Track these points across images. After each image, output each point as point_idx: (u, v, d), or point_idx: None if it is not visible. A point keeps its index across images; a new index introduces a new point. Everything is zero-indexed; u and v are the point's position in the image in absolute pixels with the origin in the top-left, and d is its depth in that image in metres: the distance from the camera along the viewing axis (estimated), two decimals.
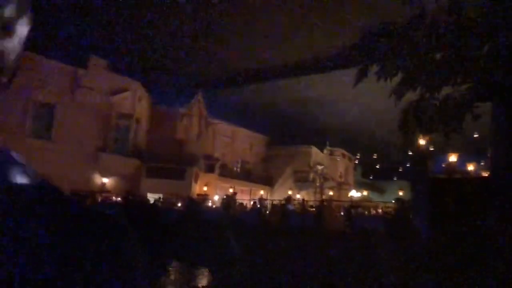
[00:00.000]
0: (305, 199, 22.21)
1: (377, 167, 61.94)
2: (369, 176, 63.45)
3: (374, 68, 9.52)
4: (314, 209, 19.29)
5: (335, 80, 38.57)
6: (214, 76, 43.16)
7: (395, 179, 60.36)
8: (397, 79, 9.32)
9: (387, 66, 9.07)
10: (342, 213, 18.37)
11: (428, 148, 14.79)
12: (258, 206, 21.32)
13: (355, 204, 19.74)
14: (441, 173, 19.71)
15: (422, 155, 14.35)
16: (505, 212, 11.08)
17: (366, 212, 17.89)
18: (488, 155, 22.44)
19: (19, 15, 0.49)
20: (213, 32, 36.49)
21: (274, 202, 20.41)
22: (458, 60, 7.99)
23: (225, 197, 24.10)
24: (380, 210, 17.60)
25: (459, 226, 11.79)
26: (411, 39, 8.57)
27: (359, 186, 53.34)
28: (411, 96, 9.67)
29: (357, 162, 57.20)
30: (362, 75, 9.62)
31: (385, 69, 9.14)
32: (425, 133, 9.78)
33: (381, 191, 56.88)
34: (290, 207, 19.50)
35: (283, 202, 20.07)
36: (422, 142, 15.20)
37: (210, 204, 28.17)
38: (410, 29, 8.69)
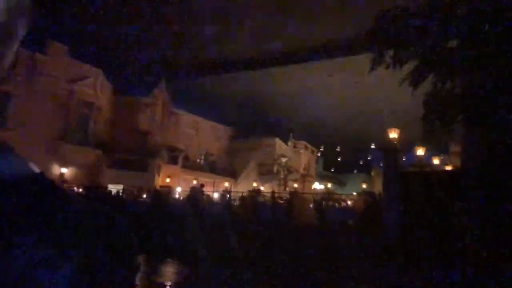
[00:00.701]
0: (273, 191, 22.14)
1: (339, 160, 63.02)
2: (330, 168, 64.44)
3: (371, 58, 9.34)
4: (283, 201, 19.21)
5: (303, 73, 38.75)
6: (178, 66, 42.28)
7: (355, 172, 61.73)
8: (394, 73, 9.17)
9: (401, 52, 8.80)
10: (311, 206, 18.40)
11: (399, 142, 14.99)
12: (227, 198, 21.04)
13: (326, 196, 19.87)
14: (407, 166, 20.17)
15: (393, 149, 14.54)
16: (473, 203, 11.43)
17: (337, 205, 18.06)
18: (450, 149, 23.22)
19: (22, 13, 0.48)
20: (180, 19, 35.67)
21: (244, 194, 20.21)
22: (473, 49, 7.79)
23: (191, 188, 23.66)
24: (349, 203, 17.80)
25: (430, 218, 12.05)
26: (426, 26, 8.35)
27: (320, 179, 54.00)
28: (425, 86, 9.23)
29: (319, 155, 57.85)
30: (378, 60, 9.30)
31: (399, 55, 8.86)
32: (445, 124, 9.35)
33: (342, 183, 57.92)
34: (260, 199, 19.43)
35: (253, 194, 19.90)
36: (393, 135, 15.44)
37: (176, 196, 27.65)
38: (425, 15, 8.45)
